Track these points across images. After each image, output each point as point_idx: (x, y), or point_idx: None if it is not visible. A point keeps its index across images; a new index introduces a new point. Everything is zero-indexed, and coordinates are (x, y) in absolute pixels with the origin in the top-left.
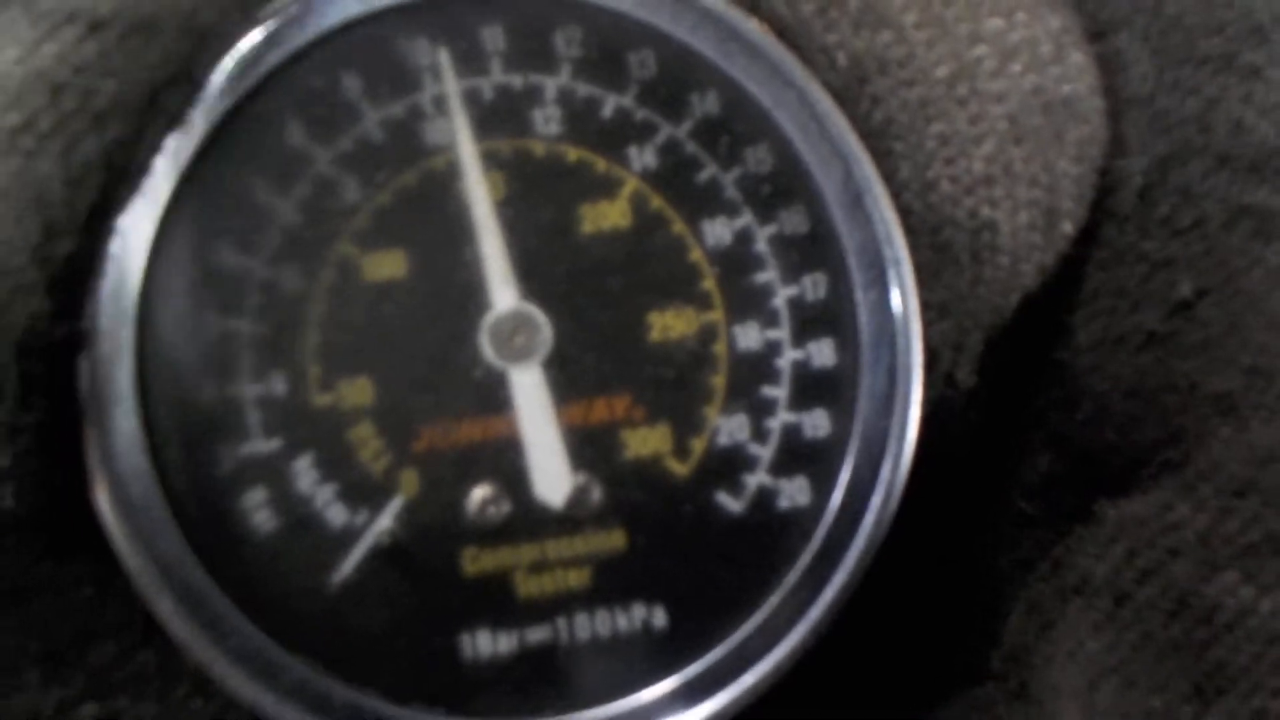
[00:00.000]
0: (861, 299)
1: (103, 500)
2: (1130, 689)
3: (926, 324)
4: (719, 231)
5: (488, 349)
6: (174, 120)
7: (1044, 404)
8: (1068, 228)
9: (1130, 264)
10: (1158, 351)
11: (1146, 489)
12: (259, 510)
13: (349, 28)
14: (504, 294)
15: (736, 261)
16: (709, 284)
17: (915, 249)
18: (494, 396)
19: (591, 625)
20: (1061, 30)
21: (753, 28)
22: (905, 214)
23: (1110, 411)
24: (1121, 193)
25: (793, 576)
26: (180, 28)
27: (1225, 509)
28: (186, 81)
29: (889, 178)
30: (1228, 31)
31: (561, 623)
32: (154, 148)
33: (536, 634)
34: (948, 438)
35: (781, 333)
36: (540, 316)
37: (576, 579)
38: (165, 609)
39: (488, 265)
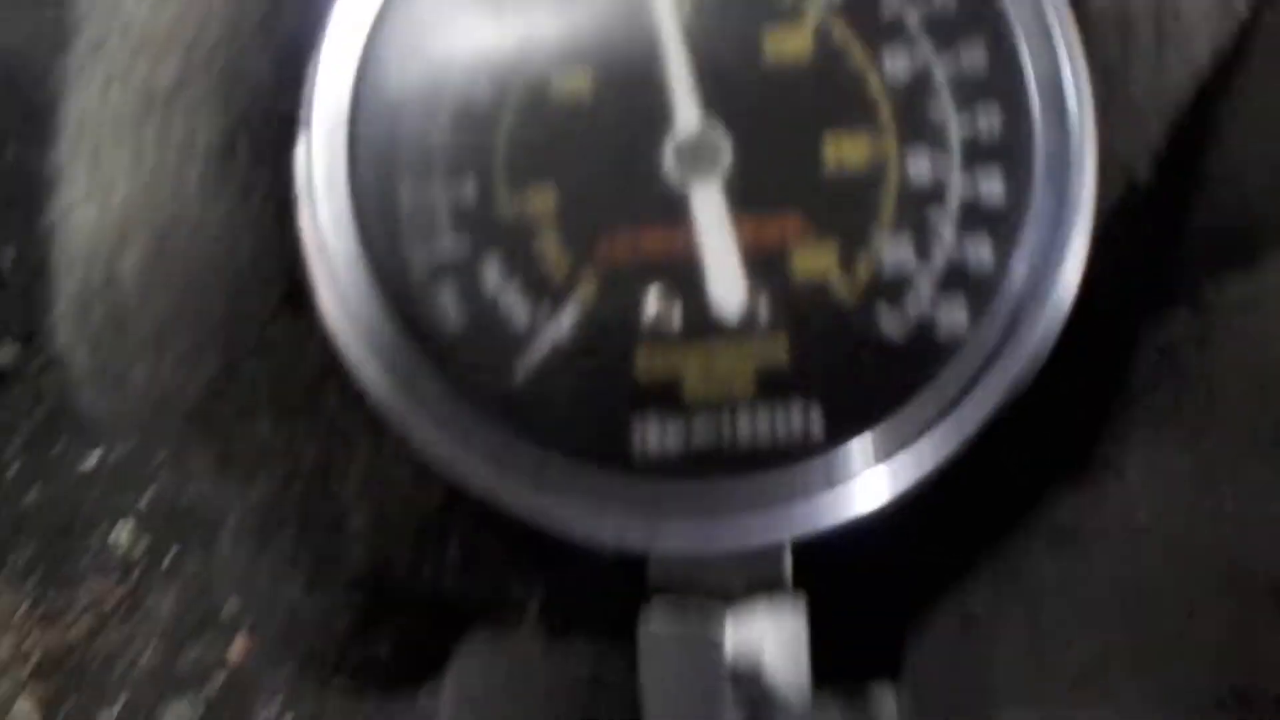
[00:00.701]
0: (1037, 131)
1: (313, 268)
2: (1213, 483)
3: (1110, 131)
4: (899, 61)
5: (669, 164)
6: None
7: (1185, 190)
8: (1242, 5)
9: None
10: None
11: (1262, 267)
12: (449, 305)
13: None
14: (688, 112)
15: (915, 92)
16: (886, 112)
17: (1102, 48)
18: (673, 210)
19: (753, 425)
20: None
21: None
22: (1093, 17)
23: (1247, 190)
24: None
25: (938, 391)
26: None
27: None
28: None
29: None
30: None
31: (726, 421)
32: None
33: (702, 430)
34: (1120, 243)
35: (953, 163)
36: (721, 135)
37: (741, 384)
38: (368, 372)
39: (673, 84)
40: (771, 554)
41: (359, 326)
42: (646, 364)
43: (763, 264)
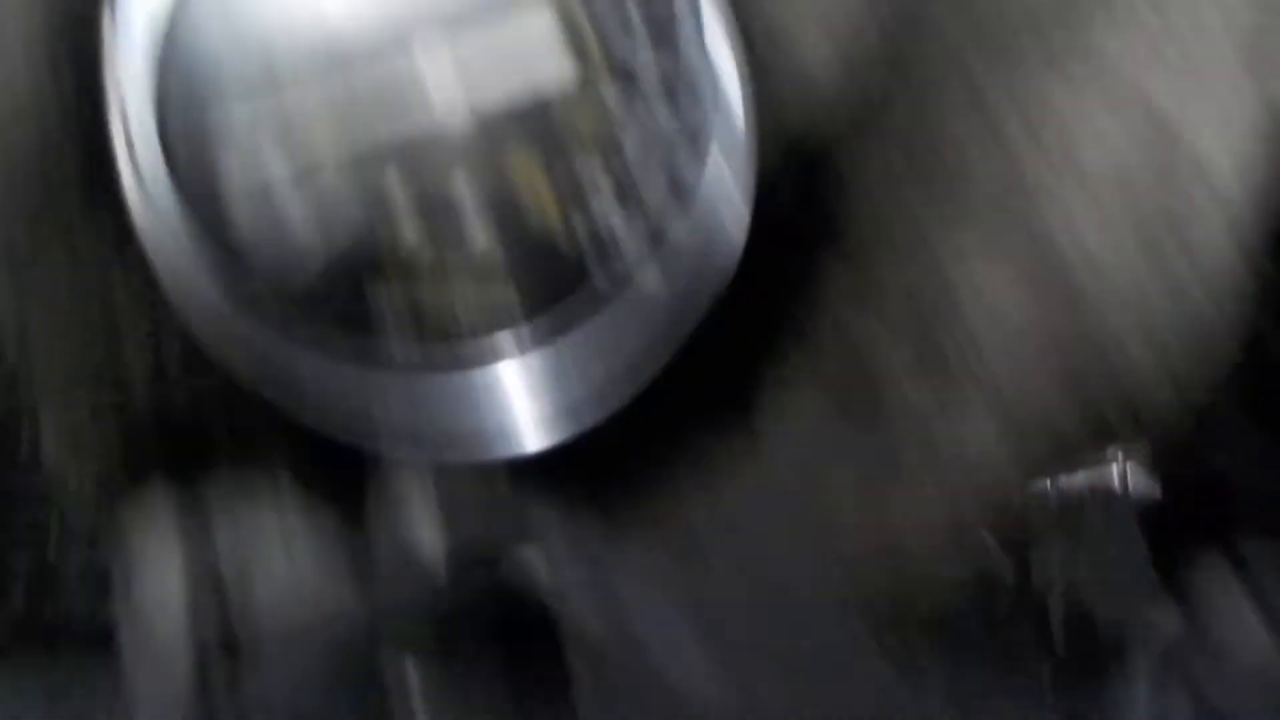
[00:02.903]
0: (702, 79)
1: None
2: None
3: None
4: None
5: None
6: None
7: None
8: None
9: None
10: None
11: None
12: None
13: None
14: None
15: (617, 29)
16: (592, 48)
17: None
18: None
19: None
20: None
21: None
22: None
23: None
24: None
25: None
26: None
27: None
28: None
29: None
30: None
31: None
32: None
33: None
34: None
35: (648, 100)
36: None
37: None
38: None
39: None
40: None
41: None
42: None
43: (488, 189)
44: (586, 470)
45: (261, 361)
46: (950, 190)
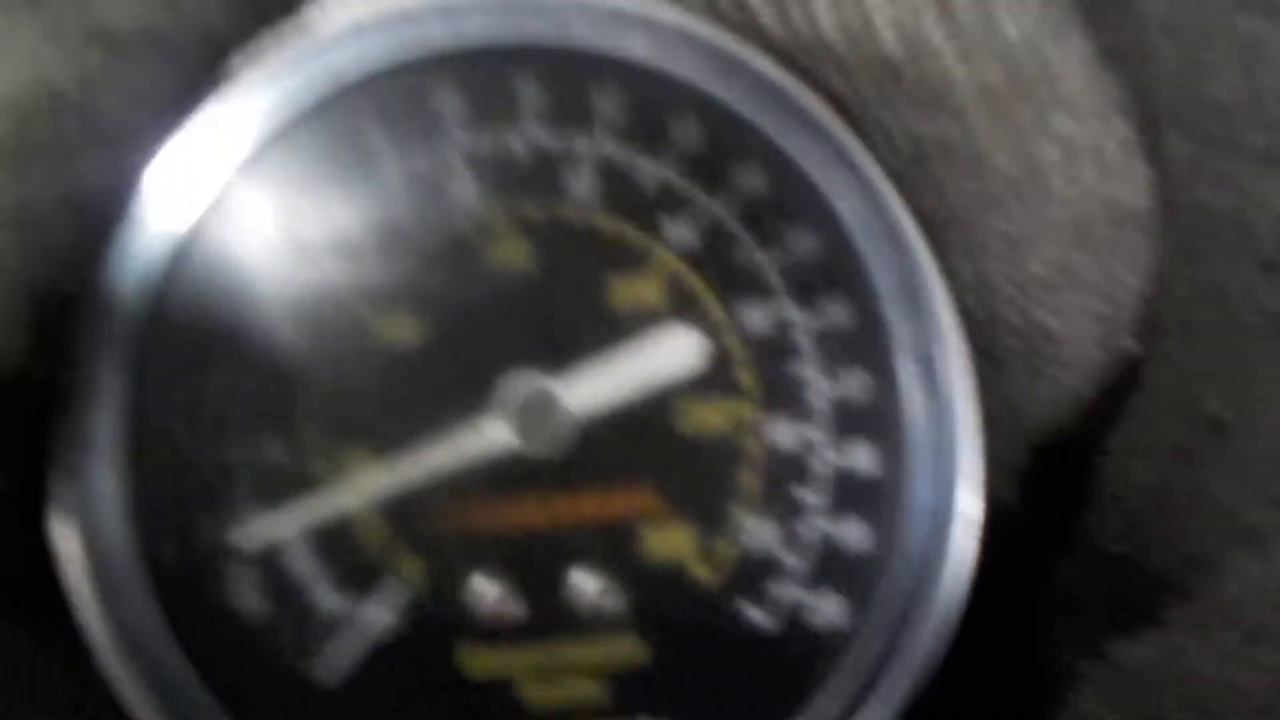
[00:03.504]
0: (910, 403)
1: (70, 562)
2: None
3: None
4: (757, 318)
5: (501, 424)
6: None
7: (1078, 513)
8: (1129, 343)
9: (1158, 369)
10: (1186, 467)
11: (1162, 626)
12: (243, 591)
13: (373, 78)
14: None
15: (775, 352)
16: (744, 374)
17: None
18: (507, 480)
19: None
20: (1127, 139)
21: (808, 98)
22: (960, 316)
23: (1137, 526)
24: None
25: (824, 703)
26: (199, 49)
27: (1239, 656)
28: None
29: (947, 274)
30: (1276, 127)
31: None
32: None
33: None
34: (984, 557)
35: (821, 433)
36: (559, 394)
37: (587, 690)
38: (132, 692)
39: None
40: None
41: (122, 621)
42: (473, 666)
43: (609, 546)
44: None
45: None
46: None
